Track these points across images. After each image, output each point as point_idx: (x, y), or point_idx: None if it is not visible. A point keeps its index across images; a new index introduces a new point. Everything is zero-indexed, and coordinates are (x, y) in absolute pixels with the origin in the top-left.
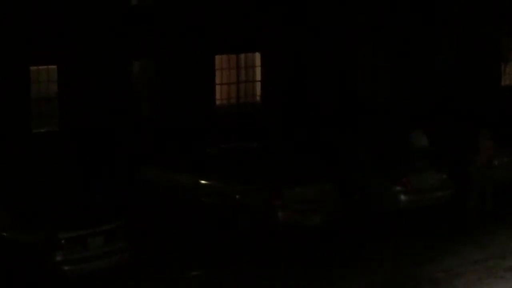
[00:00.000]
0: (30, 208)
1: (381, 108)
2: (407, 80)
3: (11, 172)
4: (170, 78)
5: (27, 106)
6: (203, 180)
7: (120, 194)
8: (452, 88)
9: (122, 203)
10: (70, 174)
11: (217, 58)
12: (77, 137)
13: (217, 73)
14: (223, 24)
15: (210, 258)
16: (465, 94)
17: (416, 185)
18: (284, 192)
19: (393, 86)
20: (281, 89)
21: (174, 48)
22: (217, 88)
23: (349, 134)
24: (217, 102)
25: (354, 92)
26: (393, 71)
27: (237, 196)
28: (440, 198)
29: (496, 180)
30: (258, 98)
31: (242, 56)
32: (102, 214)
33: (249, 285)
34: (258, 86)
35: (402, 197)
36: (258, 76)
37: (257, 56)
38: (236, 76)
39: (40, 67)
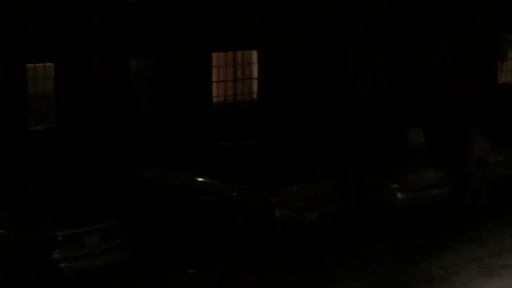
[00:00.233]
0: (27, 206)
1: (379, 106)
2: (404, 78)
3: (7, 170)
4: (167, 75)
5: (24, 104)
6: (200, 178)
7: (118, 192)
8: (450, 86)
9: (120, 201)
10: (67, 171)
11: (214, 55)
12: (74, 134)
13: (214, 71)
14: (219, 22)
15: (208, 256)
16: (462, 92)
17: (413, 183)
18: (281, 190)
19: (390, 84)
20: (278, 86)
21: (171, 46)
22: (214, 85)
23: (347, 132)
24: (214, 100)
25: (352, 90)
26: (390, 69)
27: (234, 194)
28: (437, 196)
29: (493, 177)
30: (255, 95)
31: (239, 53)
32: (99, 212)
33: (246, 283)
34: (255, 84)
35: (399, 195)
36: (255, 74)
37: (254, 53)
38: (233, 73)
39: (37, 65)
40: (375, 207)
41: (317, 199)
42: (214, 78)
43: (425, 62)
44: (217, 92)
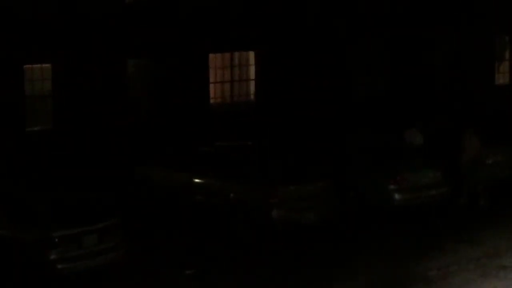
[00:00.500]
0: (24, 206)
1: (377, 106)
2: (402, 78)
3: (5, 171)
4: (164, 76)
5: (21, 105)
6: (198, 178)
7: (116, 192)
8: (447, 87)
9: (118, 202)
10: (64, 172)
11: (211, 56)
12: (72, 135)
13: (211, 72)
14: (217, 23)
15: (206, 256)
16: (459, 93)
17: (410, 184)
18: (279, 190)
19: (388, 86)
20: (275, 87)
21: (168, 47)
22: (211, 86)
23: (345, 132)
24: (211, 101)
25: (351, 91)
26: (388, 70)
27: (232, 195)
28: (435, 196)
29: (491, 178)
30: (252, 96)
31: (236, 54)
32: (96, 212)
33: (245, 284)
34: (252, 85)
35: (397, 195)
36: (252, 75)
37: (251, 54)
38: (230, 74)
39: (34, 66)
40: (373, 207)
41: (315, 199)
42: (211, 79)
43: (424, 62)
44: (214, 93)
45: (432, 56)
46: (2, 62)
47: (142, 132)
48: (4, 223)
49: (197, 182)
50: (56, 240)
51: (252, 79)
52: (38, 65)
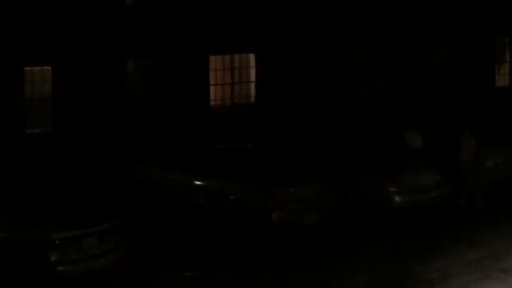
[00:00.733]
0: (24, 208)
1: (376, 108)
2: (402, 79)
3: (5, 173)
4: (164, 78)
5: (21, 107)
6: (198, 180)
7: (117, 194)
8: (447, 88)
9: (118, 203)
10: (64, 173)
11: (212, 58)
12: (72, 137)
13: (212, 74)
14: (217, 25)
15: (206, 258)
16: (459, 94)
17: (410, 185)
18: (279, 192)
19: (388, 86)
20: (275, 89)
21: (168, 49)
22: (212, 88)
23: (345, 133)
24: (212, 103)
25: (351, 91)
26: (387, 71)
27: (232, 196)
28: (435, 198)
29: (491, 179)
30: (252, 99)
31: (237, 57)
32: (96, 214)
33: (244, 285)
34: (252, 87)
35: (397, 197)
36: (253, 77)
37: (251, 57)
38: (231, 77)
39: (34, 68)
40: (373, 208)
41: (315, 201)
42: (211, 81)
43: (424, 63)
44: (214, 95)
45: (432, 56)
46: (3, 64)
47: (142, 133)
48: (4, 225)
49: (197, 184)
50: (57, 242)
51: (253, 81)
52: (38, 67)
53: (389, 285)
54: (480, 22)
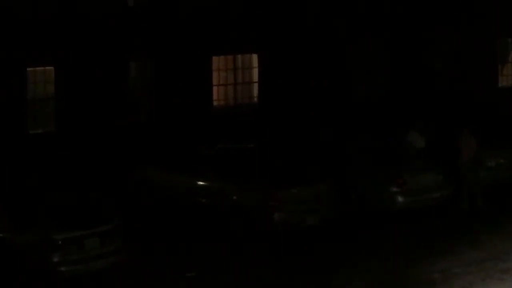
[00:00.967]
0: (27, 209)
1: (378, 108)
2: (404, 80)
3: (7, 173)
4: (167, 79)
5: (24, 107)
6: (200, 180)
7: (118, 194)
8: (450, 89)
9: (119, 204)
10: (66, 174)
11: (214, 59)
12: (74, 137)
13: (214, 74)
14: (219, 25)
15: (207, 259)
16: (461, 94)
17: (412, 186)
18: (280, 193)
19: (390, 86)
20: (278, 90)
21: (171, 49)
22: (214, 89)
23: (346, 134)
24: (215, 103)
25: (350, 93)
26: (390, 72)
27: (233, 197)
28: (437, 199)
29: (493, 180)
30: (255, 99)
31: (239, 57)
32: (98, 215)
33: (245, 285)
34: (255, 87)
35: (399, 198)
36: (255, 77)
37: (254, 57)
38: (233, 77)
39: (37, 68)
40: (374, 209)
41: (317, 202)
42: (214, 81)
43: (425, 63)
44: (217, 95)
45: (432, 56)
46: (5, 65)
47: (144, 134)
48: (7, 226)
49: (198, 184)
50: (59, 242)
51: (255, 82)
52: (41, 68)
53: (391, 286)
54: (482, 22)
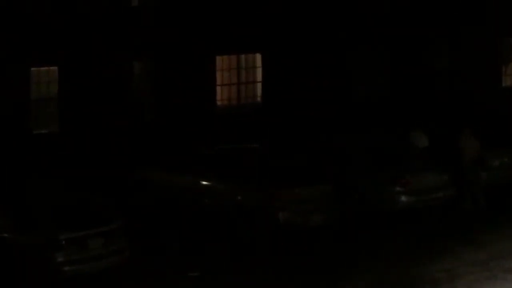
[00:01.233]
0: (30, 209)
1: (380, 108)
2: (407, 80)
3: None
4: (170, 79)
5: (28, 107)
6: (203, 181)
7: (121, 194)
8: (452, 89)
9: (123, 203)
10: (70, 174)
11: (218, 59)
12: (78, 137)
13: (218, 74)
14: (223, 25)
15: (209, 259)
16: (465, 95)
17: (416, 186)
18: (284, 193)
19: (393, 85)
20: (281, 90)
21: (174, 49)
22: (218, 89)
23: (349, 134)
24: (218, 103)
25: (354, 92)
26: (393, 71)
27: (237, 197)
28: (440, 198)
29: (496, 180)
30: (259, 99)
31: (243, 57)
32: (102, 215)
33: (247, 286)
34: (259, 87)
35: (402, 197)
36: (259, 77)
37: (258, 57)
38: (237, 77)
39: (41, 68)
40: (377, 209)
41: (320, 202)
42: (218, 81)
43: (426, 63)
44: (221, 95)
45: (434, 56)
46: (9, 65)
47: (148, 134)
48: (11, 226)
49: (201, 184)
50: (63, 243)
51: (259, 81)
52: (45, 68)
53: (395, 286)
54: (485, 21)
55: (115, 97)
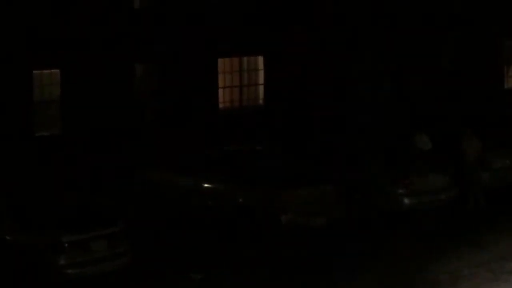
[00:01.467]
0: (33, 211)
1: (384, 109)
2: (410, 82)
3: (14, 176)
4: (173, 81)
5: (30, 110)
6: (205, 182)
7: (124, 197)
8: (456, 90)
9: (125, 206)
10: (73, 177)
11: (220, 61)
12: (80, 140)
13: (220, 77)
14: (225, 28)
15: (212, 260)
16: (467, 96)
17: (418, 187)
18: (286, 194)
19: (396, 87)
20: (283, 92)
21: (177, 52)
22: (220, 91)
23: (352, 136)
24: (220, 106)
25: (357, 94)
26: (396, 73)
27: (239, 199)
28: (443, 200)
29: (498, 181)
30: (261, 101)
31: (245, 59)
32: (104, 217)
33: (251, 287)
34: (261, 90)
35: (405, 199)
36: (261, 80)
37: (260, 59)
38: (239, 79)
39: (43, 71)
40: (381, 211)
41: (323, 203)
42: (220, 84)
43: (430, 65)
44: (223, 97)
45: (438, 57)
46: (12, 67)
47: (150, 137)
48: (13, 228)
49: (204, 186)
50: (66, 245)
51: (261, 84)
52: (47, 71)
53: (398, 287)
54: (488, 22)
55: (117, 99)
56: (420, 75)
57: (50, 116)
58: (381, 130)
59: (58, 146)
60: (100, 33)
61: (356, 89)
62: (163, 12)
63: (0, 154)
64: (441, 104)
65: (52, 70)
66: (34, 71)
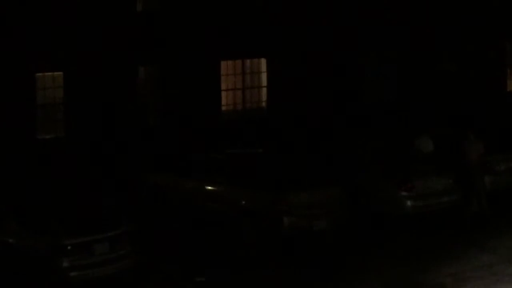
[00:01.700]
0: (36, 214)
1: (387, 112)
2: (413, 84)
3: (17, 178)
4: (176, 84)
5: (33, 112)
6: (208, 185)
7: (126, 200)
8: (458, 93)
9: (128, 209)
10: (75, 180)
11: (223, 64)
12: (83, 143)
13: (223, 79)
14: (228, 30)
15: (215, 263)
16: (470, 100)
17: (422, 190)
18: (289, 197)
19: (399, 90)
20: (286, 94)
21: (179, 54)
22: (223, 94)
23: (355, 138)
24: (223, 108)
25: (360, 97)
26: (399, 75)
27: (242, 201)
28: (447, 203)
29: (502, 184)
30: (263, 104)
31: (248, 62)
32: (107, 220)
33: None
34: (263, 92)
35: (408, 202)
36: (264, 82)
37: (263, 61)
38: (242, 82)
39: (46, 74)
40: (383, 214)
41: (325, 206)
42: (223, 86)
43: (432, 68)
44: (226, 100)
45: (441, 62)
46: (15, 70)
47: (153, 139)
48: (16, 231)
49: (207, 189)
50: (68, 248)
51: (264, 86)
52: (50, 73)
53: None
54: (490, 24)
55: (120, 102)
56: (422, 77)
57: (53, 119)
58: (384, 133)
59: (61, 149)
60: (104, 35)
61: (358, 92)
62: (166, 14)
63: (3, 156)
64: (443, 106)
65: (55, 73)
66: (37, 74)
